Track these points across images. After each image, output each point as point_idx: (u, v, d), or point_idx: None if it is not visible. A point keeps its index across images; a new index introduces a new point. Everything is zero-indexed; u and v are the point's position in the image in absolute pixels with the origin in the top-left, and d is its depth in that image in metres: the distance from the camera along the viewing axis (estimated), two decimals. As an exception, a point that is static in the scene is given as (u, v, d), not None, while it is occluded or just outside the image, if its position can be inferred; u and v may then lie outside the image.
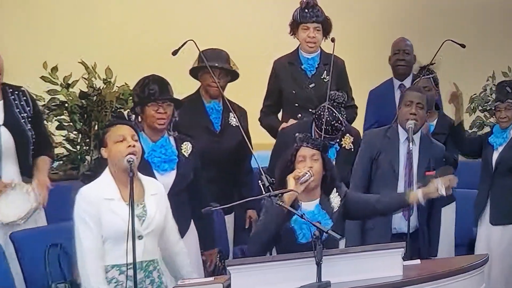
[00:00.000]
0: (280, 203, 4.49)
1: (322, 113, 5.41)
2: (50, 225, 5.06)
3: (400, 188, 5.32)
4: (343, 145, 5.61)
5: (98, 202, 4.38)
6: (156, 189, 4.53)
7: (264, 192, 4.70)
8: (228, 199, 5.28)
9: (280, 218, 4.65)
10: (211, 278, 4.33)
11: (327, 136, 5.38)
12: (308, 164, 4.74)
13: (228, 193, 5.68)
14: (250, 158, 5.85)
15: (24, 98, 5.07)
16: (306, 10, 5.98)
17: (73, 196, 5.26)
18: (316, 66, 6.01)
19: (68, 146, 6.50)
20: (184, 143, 5.15)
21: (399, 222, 5.35)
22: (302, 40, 6.00)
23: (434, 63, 6.42)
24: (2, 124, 4.93)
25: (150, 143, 5.03)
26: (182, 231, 4.88)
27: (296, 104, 5.96)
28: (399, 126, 5.43)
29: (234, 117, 5.68)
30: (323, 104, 5.48)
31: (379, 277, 4.19)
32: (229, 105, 5.67)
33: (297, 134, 4.90)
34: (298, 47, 6.07)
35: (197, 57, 5.71)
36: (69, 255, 4.85)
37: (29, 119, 5.03)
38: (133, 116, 5.01)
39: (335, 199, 4.81)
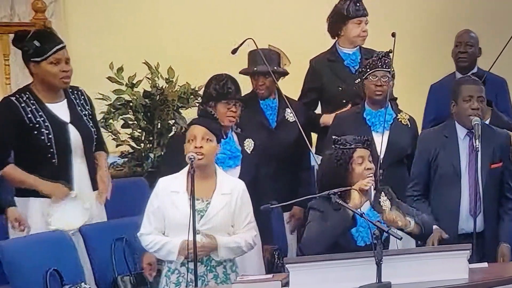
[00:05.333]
0: (340, 202, 4.47)
1: None
2: (116, 219, 5.21)
3: (464, 187, 5.17)
4: (399, 119, 5.58)
5: (164, 194, 4.64)
6: (231, 189, 4.67)
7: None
8: (288, 197, 5.27)
9: (347, 226, 4.52)
10: (270, 276, 4.40)
11: None
12: (368, 166, 4.64)
13: (288, 190, 5.69)
14: (309, 155, 5.87)
15: (83, 97, 5.22)
16: (358, 4, 5.94)
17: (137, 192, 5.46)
18: (359, 61, 5.98)
19: (133, 144, 6.60)
20: (247, 140, 5.31)
21: (466, 221, 5.15)
22: (354, 35, 5.96)
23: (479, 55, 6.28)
24: (69, 122, 5.06)
25: None
26: None
27: (344, 101, 5.93)
28: (456, 123, 5.25)
29: (291, 113, 5.71)
30: None
31: (442, 279, 4.06)
32: (286, 101, 5.70)
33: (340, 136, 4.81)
34: (335, 44, 6.04)
35: (248, 58, 5.79)
36: (133, 249, 5.04)
37: (90, 117, 5.20)
38: (202, 109, 5.15)
39: (385, 202, 4.67)
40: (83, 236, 4.99)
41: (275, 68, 5.78)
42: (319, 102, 6.13)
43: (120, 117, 6.53)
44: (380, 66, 5.52)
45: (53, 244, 4.83)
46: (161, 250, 4.62)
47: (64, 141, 5.01)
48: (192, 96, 6.71)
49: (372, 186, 4.61)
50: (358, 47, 6.03)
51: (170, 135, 6.55)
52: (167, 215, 4.63)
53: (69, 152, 5.02)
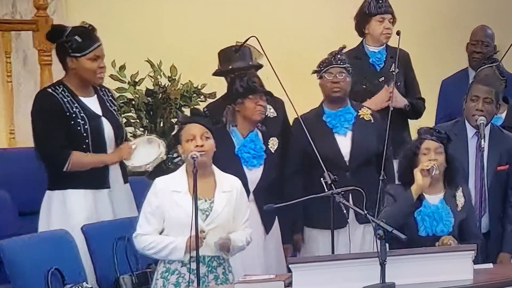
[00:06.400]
0: (343, 201, 4.49)
1: None
2: (118, 219, 5.19)
3: (470, 187, 5.14)
4: (361, 116, 5.51)
5: (164, 194, 4.61)
6: (230, 187, 4.67)
7: (326, 190, 4.71)
8: (277, 193, 5.30)
9: (410, 208, 4.71)
10: (273, 275, 4.38)
11: None
12: (432, 157, 4.76)
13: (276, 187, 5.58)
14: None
15: (110, 94, 5.36)
16: (381, 1, 5.91)
17: (139, 191, 5.44)
18: (384, 59, 5.95)
19: (135, 142, 6.63)
20: (271, 139, 5.30)
21: None
22: (377, 33, 5.92)
23: (498, 51, 6.27)
24: (102, 116, 5.17)
25: (240, 138, 5.19)
26: (268, 227, 5.05)
27: (368, 99, 5.86)
28: (466, 121, 5.25)
29: (271, 108, 5.64)
30: None
31: (447, 280, 4.07)
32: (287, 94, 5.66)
33: (421, 127, 4.96)
34: (362, 42, 6.02)
35: (219, 58, 5.74)
36: (135, 248, 5.01)
37: (117, 113, 5.34)
38: (230, 108, 5.18)
39: (460, 199, 4.81)
40: (85, 236, 4.99)
41: (250, 63, 5.67)
42: None
43: (123, 115, 6.53)
44: (334, 63, 5.43)
45: (54, 243, 4.83)
46: (164, 250, 4.58)
47: (99, 132, 5.12)
48: (194, 95, 6.72)
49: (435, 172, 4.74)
50: (384, 45, 5.98)
51: (172, 133, 6.53)
52: (169, 215, 4.60)
53: (104, 144, 5.14)
